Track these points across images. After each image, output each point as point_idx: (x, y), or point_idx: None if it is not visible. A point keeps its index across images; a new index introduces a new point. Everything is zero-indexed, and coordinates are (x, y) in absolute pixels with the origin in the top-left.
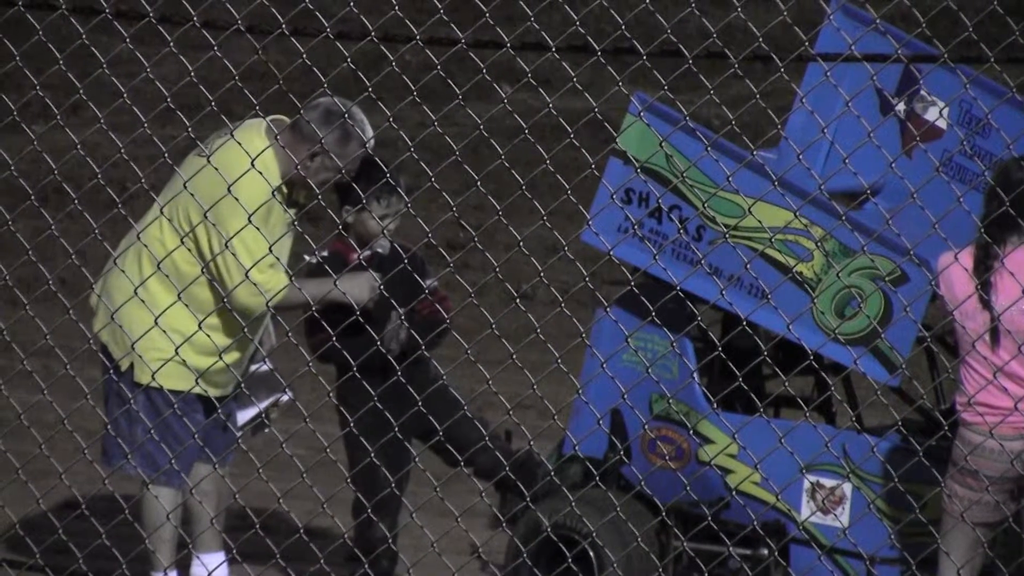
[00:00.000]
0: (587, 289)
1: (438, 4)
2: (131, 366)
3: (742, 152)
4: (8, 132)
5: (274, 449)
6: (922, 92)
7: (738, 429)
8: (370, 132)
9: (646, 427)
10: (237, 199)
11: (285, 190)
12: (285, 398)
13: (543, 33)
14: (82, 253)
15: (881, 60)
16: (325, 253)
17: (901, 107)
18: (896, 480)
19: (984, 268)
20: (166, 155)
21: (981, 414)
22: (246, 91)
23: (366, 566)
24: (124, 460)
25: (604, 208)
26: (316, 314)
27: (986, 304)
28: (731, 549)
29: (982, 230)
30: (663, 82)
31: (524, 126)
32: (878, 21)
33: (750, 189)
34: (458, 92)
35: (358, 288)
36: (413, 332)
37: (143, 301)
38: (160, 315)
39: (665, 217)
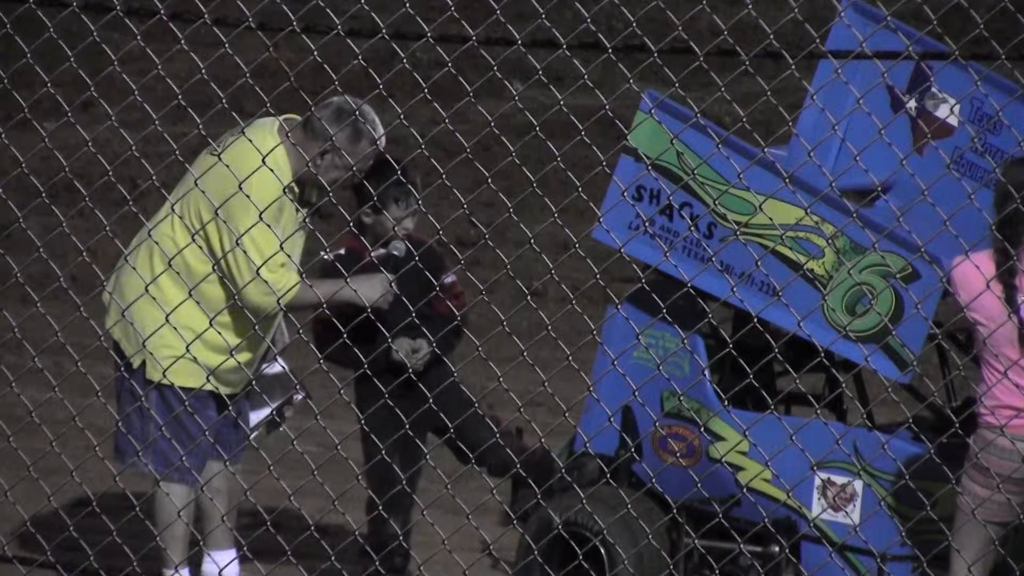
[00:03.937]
0: (598, 286)
1: (449, 1)
2: (143, 363)
3: (753, 149)
4: (19, 129)
5: (285, 447)
6: (933, 89)
7: (749, 426)
8: (381, 131)
9: (657, 424)
10: (249, 197)
11: (297, 189)
12: (298, 397)
13: (554, 30)
14: (93, 250)
15: (892, 57)
16: (341, 251)
17: (912, 104)
18: (907, 477)
19: (1008, 272)
20: (177, 152)
21: (999, 416)
22: (257, 88)
23: (377, 563)
24: (137, 457)
25: (615, 205)
26: (325, 317)
27: (1013, 307)
28: (742, 546)
29: (996, 234)
30: (674, 79)
31: (535, 123)
32: (889, 18)
33: (761, 186)
34: (469, 89)
35: (371, 288)
36: (435, 348)
37: (154, 299)
38: (171, 312)
39: (676, 214)
